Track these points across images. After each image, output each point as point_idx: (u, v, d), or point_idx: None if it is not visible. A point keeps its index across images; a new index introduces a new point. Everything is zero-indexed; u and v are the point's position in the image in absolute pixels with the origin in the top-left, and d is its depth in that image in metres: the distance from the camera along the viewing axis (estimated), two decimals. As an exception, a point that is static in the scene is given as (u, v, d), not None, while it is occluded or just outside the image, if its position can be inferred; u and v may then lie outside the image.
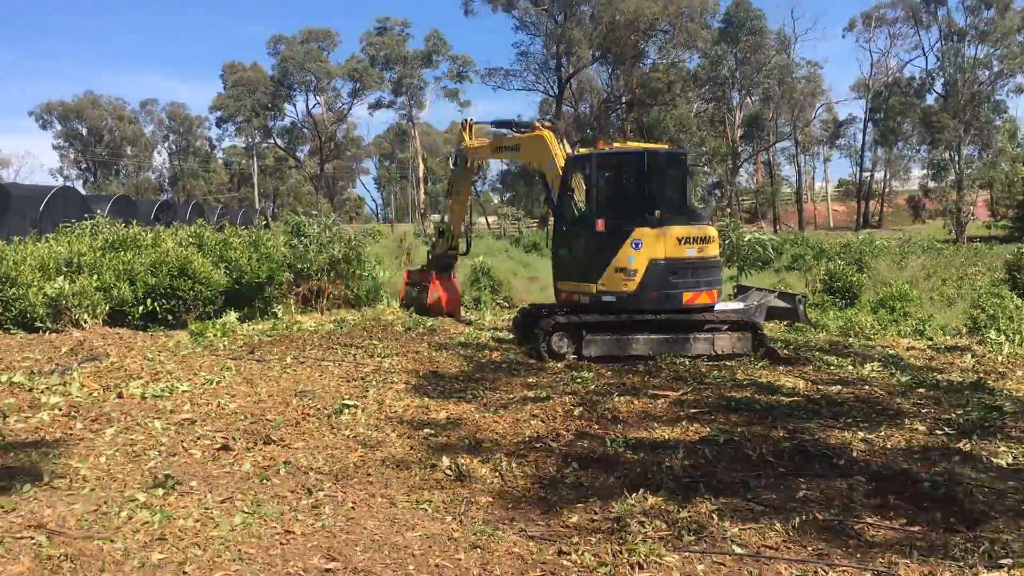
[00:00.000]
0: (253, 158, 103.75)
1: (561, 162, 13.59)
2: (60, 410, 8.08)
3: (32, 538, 4.91)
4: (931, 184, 71.94)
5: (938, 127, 62.72)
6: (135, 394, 8.96)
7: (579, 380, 10.58)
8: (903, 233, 49.99)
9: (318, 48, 77.22)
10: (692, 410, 8.96)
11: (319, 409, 8.69)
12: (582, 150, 14.39)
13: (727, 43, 59.61)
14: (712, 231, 13.18)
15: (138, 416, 7.98)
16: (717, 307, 13.26)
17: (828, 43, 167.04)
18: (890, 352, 13.73)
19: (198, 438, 7.40)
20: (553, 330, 12.59)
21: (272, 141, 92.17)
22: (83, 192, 49.29)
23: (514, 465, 6.94)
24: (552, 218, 14.44)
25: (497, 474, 6.73)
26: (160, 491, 5.94)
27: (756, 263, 18.34)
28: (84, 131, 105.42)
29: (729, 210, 62.46)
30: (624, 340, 12.41)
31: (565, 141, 14.39)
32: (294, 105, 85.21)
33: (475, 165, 17.34)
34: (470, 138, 16.83)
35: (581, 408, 8.92)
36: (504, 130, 16.63)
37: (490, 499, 6.15)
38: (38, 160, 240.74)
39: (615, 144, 14.80)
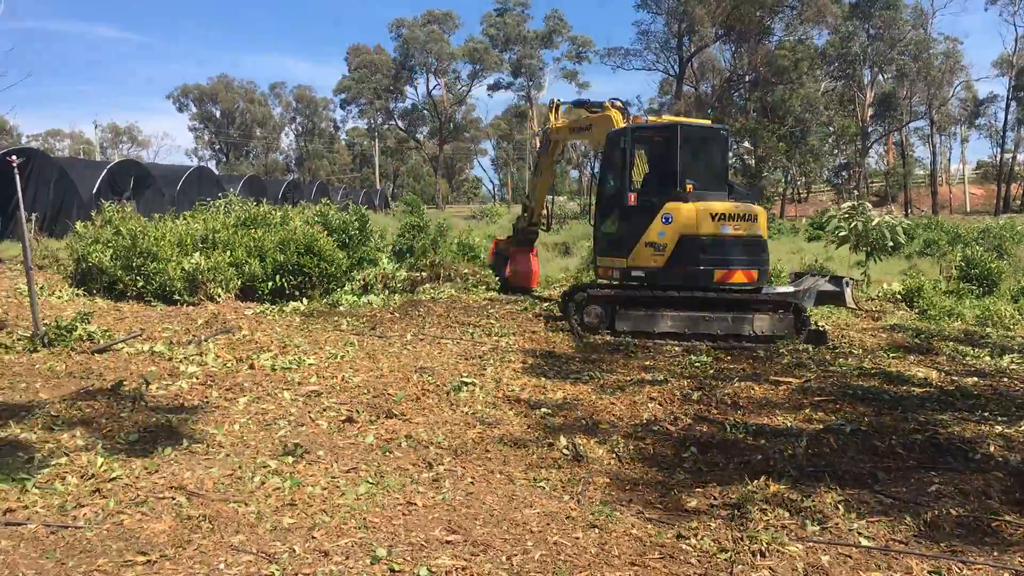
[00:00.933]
0: (375, 139, 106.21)
1: None
2: (197, 379, 8.50)
3: (173, 498, 5.21)
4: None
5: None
6: (266, 366, 9.33)
7: (697, 364, 10.44)
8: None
9: (439, 30, 78.22)
10: (816, 398, 8.71)
11: (438, 386, 8.86)
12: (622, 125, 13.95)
13: (859, 18, 57.12)
14: (756, 209, 12.75)
15: (269, 387, 8.32)
16: (766, 290, 13.05)
17: (969, 16, 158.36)
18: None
19: (324, 409, 7.66)
20: (587, 303, 12.79)
21: (393, 123, 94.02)
22: (216, 172, 51.50)
23: (631, 447, 6.92)
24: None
25: (614, 455, 6.72)
26: (290, 459, 6.18)
27: (885, 248, 17.59)
28: (217, 113, 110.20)
29: (856, 192, 60.21)
30: (656, 316, 12.40)
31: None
32: (415, 87, 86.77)
33: (558, 145, 17.26)
34: (556, 119, 16.84)
35: (699, 392, 8.80)
36: (582, 110, 16.19)
37: (607, 480, 6.14)
38: (175, 141, 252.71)
39: (664, 118, 14.68)
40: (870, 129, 64.26)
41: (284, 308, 13.80)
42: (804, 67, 56.21)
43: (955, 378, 10.03)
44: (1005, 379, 9.99)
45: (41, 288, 13.90)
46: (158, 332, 11.18)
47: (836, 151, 68.77)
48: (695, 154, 13.09)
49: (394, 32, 78.54)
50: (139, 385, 7.95)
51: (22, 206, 9.80)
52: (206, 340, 10.62)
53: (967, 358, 11.57)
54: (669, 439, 7.17)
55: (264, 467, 5.98)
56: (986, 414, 8.14)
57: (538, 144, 18.02)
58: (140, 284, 13.81)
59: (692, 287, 12.34)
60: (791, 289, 13.81)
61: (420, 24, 77.40)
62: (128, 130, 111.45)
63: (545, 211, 17.63)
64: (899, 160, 78.43)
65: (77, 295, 13.84)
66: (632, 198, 12.72)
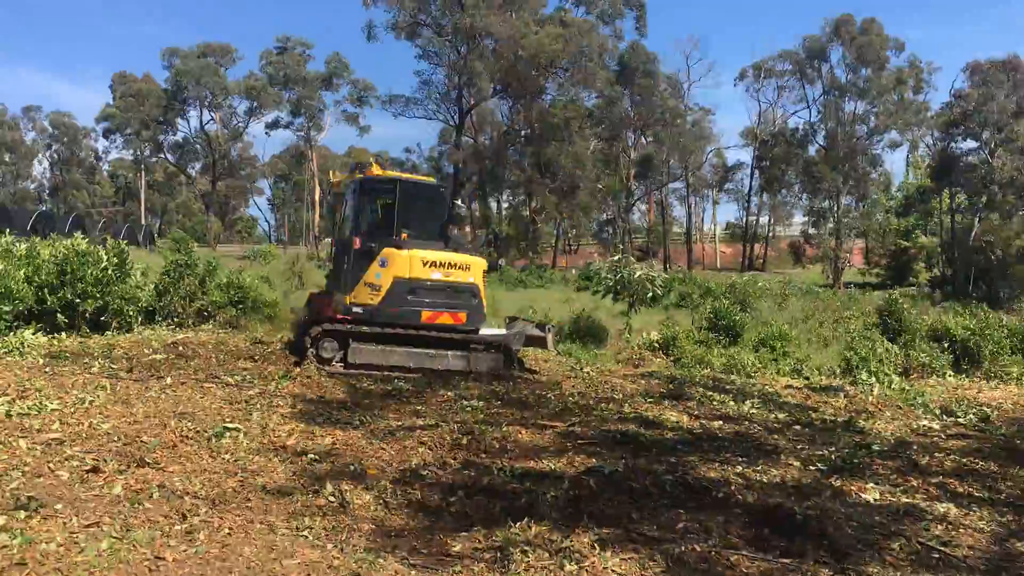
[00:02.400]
0: (141, 172, 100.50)
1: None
2: (-86, 427, 7.57)
3: None
4: (811, 231, 75.23)
5: (818, 177, 65.81)
6: (0, 412, 8.47)
7: (468, 409, 10.56)
8: (785, 276, 51.98)
9: (215, 63, 75.58)
10: (579, 441, 9.08)
11: (198, 432, 8.40)
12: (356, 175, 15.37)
13: (622, 84, 61.18)
14: (471, 260, 14.34)
15: (2, 435, 7.53)
16: (482, 331, 14.48)
17: (721, 90, 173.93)
18: (769, 390, 14.22)
19: (66, 459, 7.03)
20: (322, 337, 13.55)
21: (163, 156, 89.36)
22: (-47, 198, 46.79)
23: (399, 493, 6.87)
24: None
25: (381, 502, 6.63)
26: (22, 514, 5.60)
27: (645, 299, 18.78)
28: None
29: (622, 247, 63.89)
30: (387, 351, 13.48)
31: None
32: (187, 120, 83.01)
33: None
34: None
35: (468, 437, 8.90)
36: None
37: (373, 527, 6.05)
38: None
39: (386, 172, 15.67)
40: (633, 188, 68.58)
41: (23, 346, 12.60)
42: (574, 126, 59.29)
43: (704, 422, 10.80)
44: (746, 422, 10.86)
45: None
46: None
47: (604, 206, 72.80)
48: (415, 207, 14.25)
49: (166, 61, 74.96)
50: None
51: None
52: (-72, 383, 9.50)
53: (714, 403, 12.49)
54: (437, 485, 7.19)
55: (-9, 524, 5.39)
56: (729, 455, 8.80)
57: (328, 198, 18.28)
58: None
59: (402, 324, 13.47)
60: (502, 332, 15.18)
61: (195, 55, 74.38)
62: None
63: None
64: (659, 218, 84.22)
65: None
66: (356, 242, 13.75)
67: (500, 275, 48.39)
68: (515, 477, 7.53)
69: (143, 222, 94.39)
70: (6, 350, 12.23)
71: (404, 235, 13.86)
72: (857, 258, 78.88)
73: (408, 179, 15.11)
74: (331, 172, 17.59)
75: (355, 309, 13.66)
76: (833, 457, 8.96)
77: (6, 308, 13.61)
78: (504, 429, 9.32)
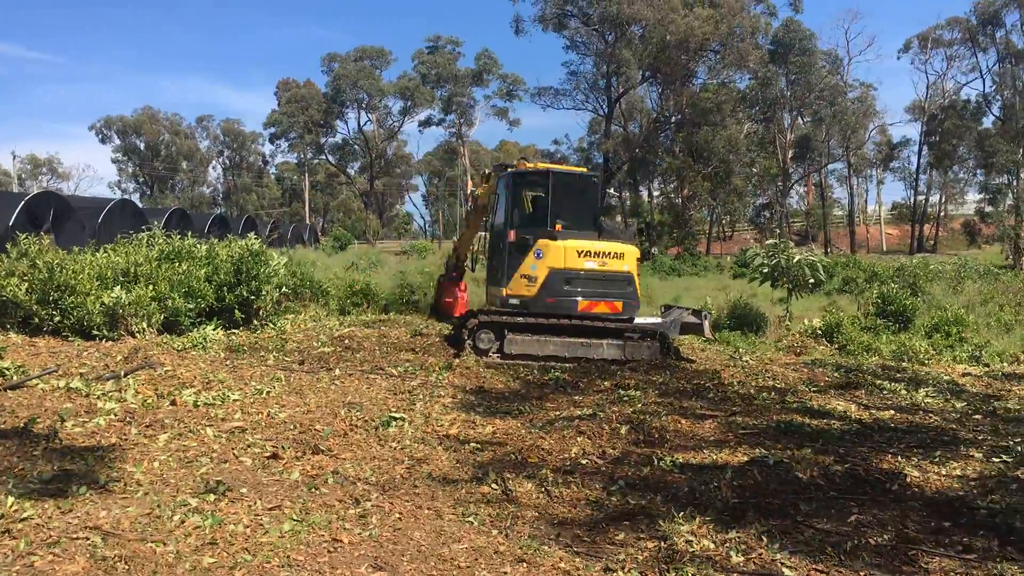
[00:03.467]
0: (304, 174, 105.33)
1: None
2: (115, 416, 8.24)
3: (88, 539, 5.02)
4: (988, 209, 70.36)
5: (993, 151, 61.39)
6: (188, 402, 9.11)
7: (626, 399, 10.52)
8: (958, 258, 48.88)
9: (371, 66, 78.27)
10: (741, 432, 8.87)
11: (367, 421, 8.76)
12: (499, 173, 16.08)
13: (777, 64, 59.04)
14: (622, 247, 14.32)
15: (191, 423, 8.12)
16: (637, 320, 14.41)
17: (883, 64, 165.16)
18: (945, 378, 13.45)
19: (248, 446, 7.50)
20: (479, 328, 13.91)
21: (324, 157, 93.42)
22: (140, 205, 50.30)
23: (560, 482, 6.92)
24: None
25: (543, 491, 6.71)
26: (211, 497, 6.02)
27: (805, 285, 18.09)
28: (142, 145, 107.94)
29: (778, 231, 61.83)
30: (543, 341, 13.72)
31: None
32: (346, 122, 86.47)
33: (484, 208, 18.02)
34: (482, 186, 17.77)
35: (628, 427, 8.87)
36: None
37: (536, 515, 6.13)
38: (98, 173, 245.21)
39: (536, 164, 16.10)
40: (791, 170, 66.14)
41: (205, 341, 13.49)
42: (727, 109, 57.74)
43: (874, 412, 10.33)
44: (920, 413, 10.31)
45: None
46: (75, 368, 10.80)
47: (759, 191, 70.68)
48: (567, 197, 14.41)
49: (326, 66, 78.35)
50: (53, 422, 7.67)
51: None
52: (126, 376, 10.32)
53: (884, 392, 11.92)
54: (598, 474, 7.20)
55: (184, 505, 5.81)
56: (903, 447, 8.38)
57: (469, 202, 19.34)
58: (57, 318, 13.36)
59: (559, 315, 13.71)
60: (658, 320, 15.09)
61: (352, 59, 77.35)
62: (48, 161, 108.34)
63: (468, 256, 18.87)
64: (818, 200, 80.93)
65: (-10, 329, 13.35)
66: (512, 234, 14.20)
67: (653, 263, 47.82)
68: (677, 467, 7.45)
69: (307, 221, 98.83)
70: (191, 345, 13.11)
71: (558, 226, 14.03)
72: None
73: (560, 170, 15.20)
74: (469, 181, 18.54)
75: (512, 301, 14.06)
76: (1020, 449, 8.38)
77: (190, 306, 14.58)
78: (663, 419, 9.23)
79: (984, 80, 69.60)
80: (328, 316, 18.26)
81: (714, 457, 7.88)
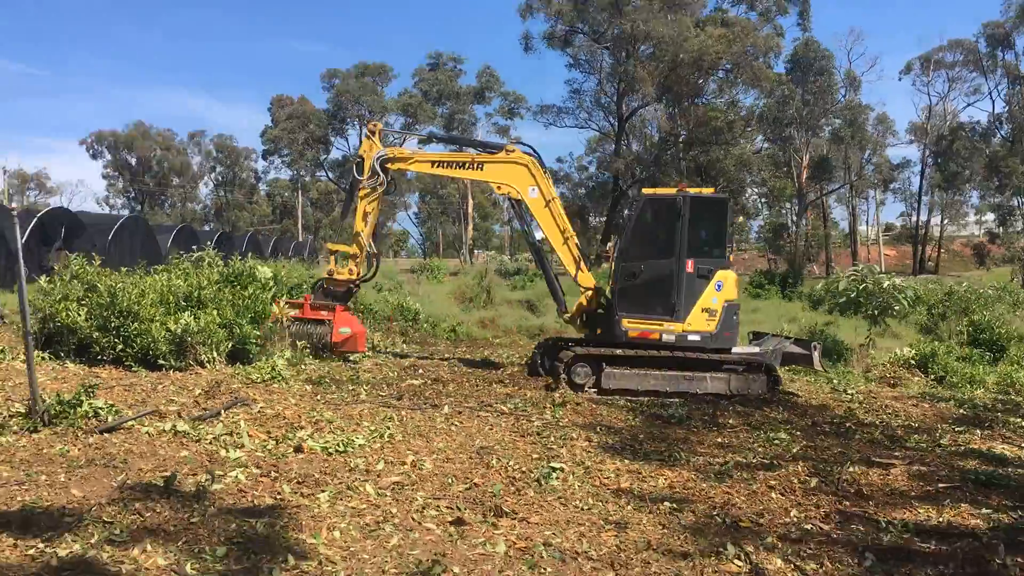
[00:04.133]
0: (298, 191, 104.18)
1: (551, 191, 14.19)
2: (248, 467, 7.22)
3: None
4: (998, 230, 70.16)
5: (1006, 172, 61.14)
6: (315, 448, 8.09)
7: (776, 441, 9.57)
8: (968, 280, 48.40)
9: (372, 82, 77.41)
10: (940, 484, 7.94)
11: (524, 472, 7.78)
12: (649, 190, 15.07)
13: (795, 83, 58.63)
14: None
15: (342, 476, 7.11)
16: (735, 349, 13.49)
17: (884, 84, 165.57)
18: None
19: (423, 508, 6.50)
20: (574, 361, 13.13)
21: (323, 174, 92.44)
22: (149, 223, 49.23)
23: (804, 555, 5.94)
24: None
25: (794, 567, 5.72)
26: (429, 581, 5.04)
27: (890, 312, 17.27)
28: (133, 161, 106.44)
29: (791, 251, 61.30)
30: (641, 375, 12.91)
31: (547, 170, 14.56)
32: (346, 139, 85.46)
33: (395, 177, 15.38)
34: (379, 144, 14.97)
35: (817, 479, 7.91)
36: (455, 146, 15.92)
37: (822, 603, 5.16)
38: (91, 189, 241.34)
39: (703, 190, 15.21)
40: (806, 191, 65.68)
41: (276, 371, 12.42)
42: (739, 128, 57.26)
43: (1047, 456, 9.44)
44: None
45: (1, 350, 12.33)
46: (163, 405, 9.76)
47: (770, 211, 70.27)
48: (728, 225, 13.81)
49: (326, 82, 77.37)
50: (201, 480, 6.64)
51: (21, 258, 8.36)
52: (222, 414, 9.29)
53: (1027, 431, 11.04)
54: (836, 543, 6.23)
55: (404, 593, 4.82)
56: None
57: (355, 174, 14.85)
58: (119, 347, 12.29)
59: (726, 349, 13.09)
60: (757, 349, 14.03)
61: (353, 75, 76.46)
62: (36, 176, 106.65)
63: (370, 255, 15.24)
64: (820, 221, 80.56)
65: (42, 359, 12.24)
66: (690, 265, 12.98)
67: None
68: (912, 532, 6.49)
69: (299, 238, 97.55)
70: (269, 377, 12.06)
71: (731, 256, 13.50)
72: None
73: (726, 197, 14.38)
74: (369, 139, 14.86)
75: (691, 337, 13.05)
76: None
77: (257, 332, 13.54)
78: (850, 469, 8.26)
79: (993, 101, 69.59)
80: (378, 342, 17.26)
81: (937, 518, 6.92)
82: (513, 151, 14.44)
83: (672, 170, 60.58)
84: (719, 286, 12.92)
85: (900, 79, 79.82)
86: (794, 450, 9.18)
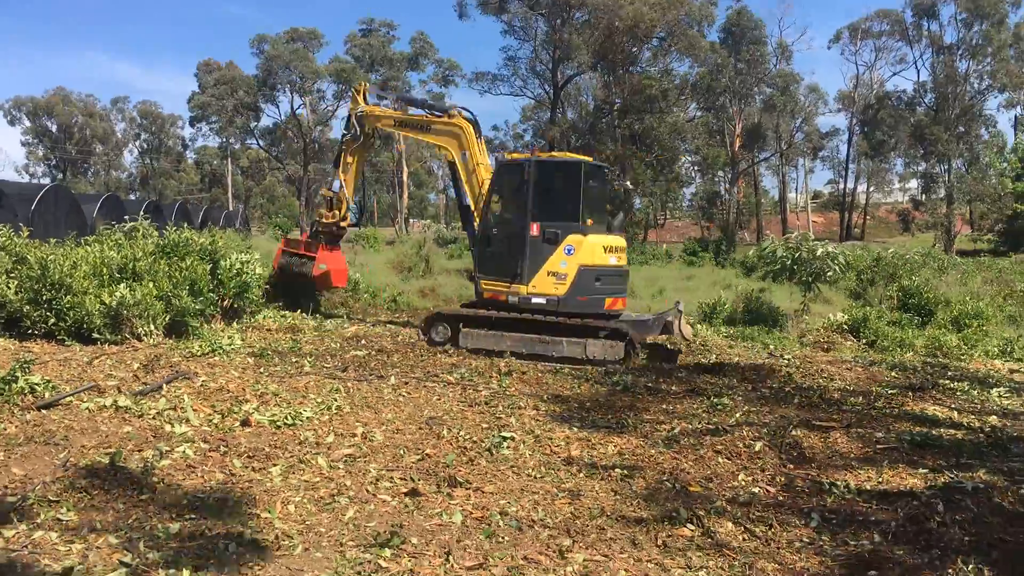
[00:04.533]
0: (228, 159, 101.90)
1: (479, 158, 14.65)
2: (196, 442, 7.09)
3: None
4: (921, 197, 72.21)
5: (931, 140, 62.82)
6: (262, 421, 7.99)
7: (719, 407, 9.73)
8: (894, 246, 49.80)
9: (303, 47, 75.75)
10: (878, 446, 8.19)
11: (475, 442, 7.80)
12: (515, 155, 15.20)
13: (728, 52, 59.13)
14: (624, 241, 14.37)
15: (292, 450, 7.04)
16: (632, 316, 14.17)
17: (814, 54, 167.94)
18: (998, 376, 13.12)
19: (376, 479, 6.48)
20: (435, 321, 13.91)
21: (253, 142, 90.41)
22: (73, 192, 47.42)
23: (754, 518, 6.08)
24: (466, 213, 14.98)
25: (746, 531, 5.85)
26: (387, 552, 5.05)
27: (823, 278, 17.67)
28: (54, 128, 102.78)
29: (723, 217, 62.25)
30: (497, 336, 13.30)
31: (482, 138, 15.19)
32: (276, 106, 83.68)
33: (373, 133, 16.91)
34: (364, 103, 16.42)
35: (761, 443, 8.08)
36: (415, 108, 16.55)
37: (776, 565, 5.27)
38: (9, 157, 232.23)
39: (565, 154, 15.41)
40: (739, 159, 66.54)
41: (226, 346, 12.21)
42: (672, 97, 57.62)
43: (975, 417, 9.81)
44: None
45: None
46: (101, 380, 9.50)
47: (703, 179, 71.16)
48: (593, 190, 13.86)
49: (256, 48, 75.38)
50: (148, 456, 6.50)
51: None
52: (164, 388, 9.09)
53: (958, 394, 11.45)
54: (782, 507, 6.38)
55: (363, 565, 4.82)
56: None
57: (343, 128, 16.77)
58: (51, 320, 11.90)
59: (588, 314, 13.16)
60: (643, 317, 14.52)
61: (284, 41, 74.64)
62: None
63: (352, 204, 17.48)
64: (751, 189, 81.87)
65: (-32, 334, 11.82)
66: (535, 228, 13.24)
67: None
68: (855, 494, 6.70)
69: (229, 208, 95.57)
70: (209, 350, 11.84)
71: (590, 221, 13.35)
72: (960, 226, 75.53)
73: (589, 161, 14.37)
74: (355, 96, 16.70)
75: (535, 300, 13.26)
76: None
77: (197, 306, 13.25)
78: (793, 433, 8.46)
79: (919, 71, 71.28)
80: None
81: (880, 478, 7.15)
82: (455, 116, 14.87)
83: (607, 138, 60.79)
84: (569, 250, 13.04)
85: (829, 48, 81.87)
86: (737, 415, 9.34)
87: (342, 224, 16.93)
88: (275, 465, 6.59)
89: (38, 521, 5.20)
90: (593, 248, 13.15)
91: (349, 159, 16.71)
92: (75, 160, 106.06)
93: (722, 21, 60.63)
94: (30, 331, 11.93)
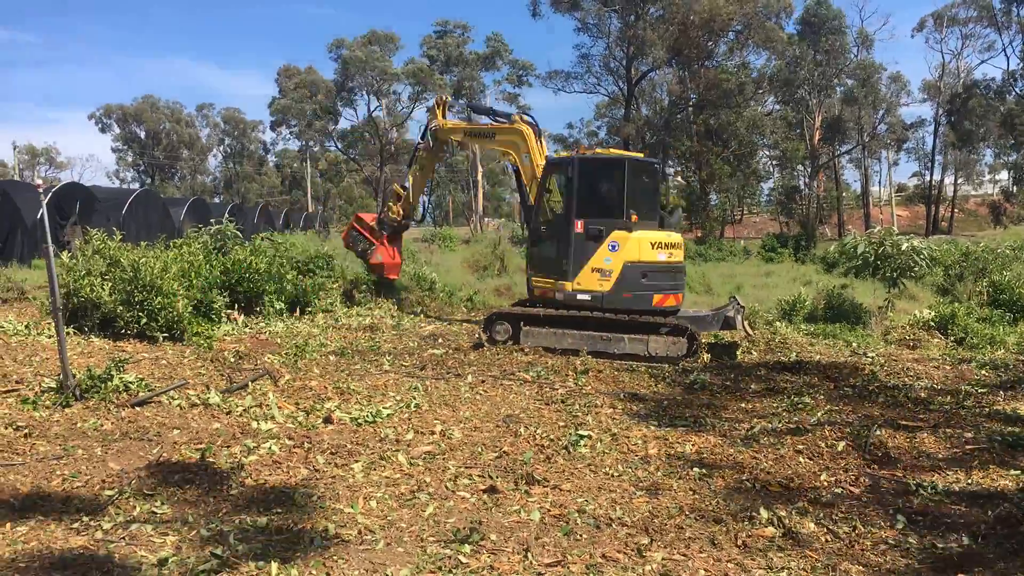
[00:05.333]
0: (306, 162, 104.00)
1: (539, 160, 14.66)
2: (280, 439, 7.30)
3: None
4: (1013, 188, 69.46)
5: (1021, 129, 60.34)
6: (345, 419, 8.19)
7: (800, 405, 9.57)
8: (984, 239, 47.94)
9: (380, 51, 76.77)
10: (967, 447, 7.95)
11: (552, 440, 7.84)
12: (561, 154, 15.46)
13: (807, 44, 57.82)
14: (679, 237, 14.11)
15: (374, 447, 7.20)
16: (681, 312, 13.89)
17: (897, 44, 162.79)
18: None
19: (455, 477, 6.58)
20: (496, 320, 13.83)
21: (332, 145, 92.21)
22: (162, 196, 49.18)
23: (837, 518, 5.97)
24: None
25: (827, 530, 5.75)
26: (467, 548, 5.12)
27: (908, 274, 17.19)
28: (142, 134, 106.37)
29: (803, 212, 60.97)
30: (559, 334, 13.24)
31: (543, 140, 15.28)
32: (354, 109, 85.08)
33: (445, 144, 17.90)
34: (443, 117, 17.17)
35: (844, 443, 7.93)
36: (482, 116, 17.43)
37: (860, 567, 5.18)
38: (101, 163, 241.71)
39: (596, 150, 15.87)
40: (819, 152, 65.03)
41: (306, 346, 12.52)
42: (750, 91, 56.69)
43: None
44: None
45: (26, 326, 12.42)
46: (190, 377, 9.85)
47: (782, 173, 69.77)
48: (639, 186, 13.77)
49: (333, 52, 76.73)
50: (236, 452, 6.73)
51: (49, 235, 8.42)
52: (249, 386, 9.39)
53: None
54: (867, 506, 6.26)
55: (444, 560, 4.90)
56: None
57: (420, 137, 17.83)
58: (143, 321, 12.36)
59: (634, 311, 13.05)
60: (702, 313, 14.41)
61: (361, 45, 75.80)
62: (46, 151, 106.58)
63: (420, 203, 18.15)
64: (832, 183, 79.84)
65: (68, 334, 12.29)
66: (579, 225, 13.29)
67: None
68: (944, 495, 6.51)
69: (309, 209, 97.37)
70: (296, 350, 12.16)
71: (634, 216, 13.29)
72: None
73: (634, 157, 14.38)
74: (435, 110, 17.40)
75: (580, 296, 13.35)
76: None
77: (279, 305, 13.63)
78: (877, 433, 8.27)
79: (1008, 58, 68.58)
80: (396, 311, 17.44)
81: (969, 480, 6.94)
82: (516, 121, 15.27)
83: (683, 134, 60.20)
84: (613, 246, 13.05)
85: (913, 36, 78.75)
86: (819, 414, 9.18)
87: (405, 221, 17.92)
88: (357, 461, 6.75)
89: (134, 514, 5.44)
90: (639, 244, 13.13)
91: (422, 163, 17.63)
92: (162, 165, 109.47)
93: (800, 12, 59.28)
94: (123, 331, 12.38)
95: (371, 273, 18.48)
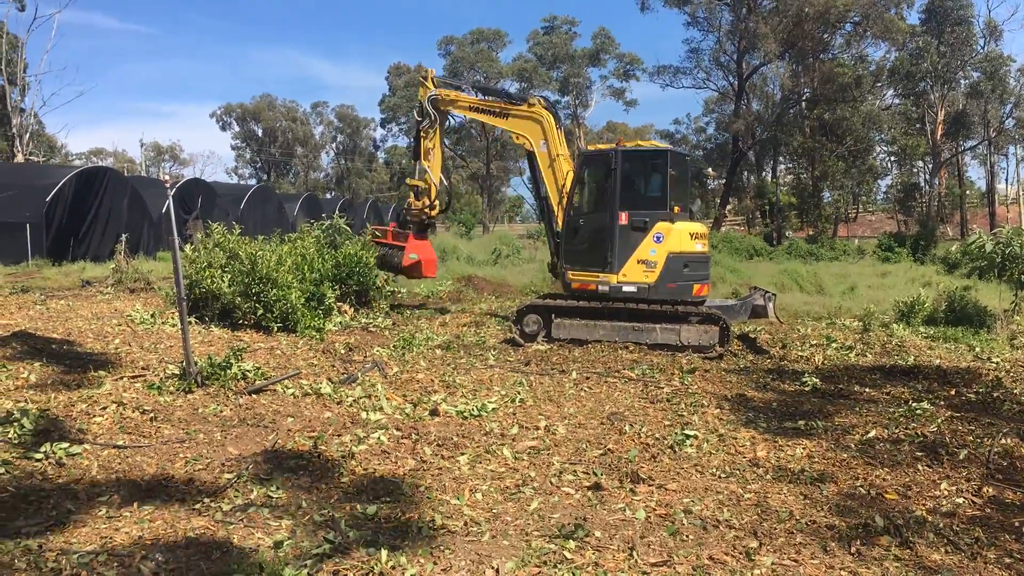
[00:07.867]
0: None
1: (560, 149, 14.50)
2: (389, 429, 7.46)
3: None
4: None
5: None
6: (451, 412, 8.30)
7: (919, 412, 9.18)
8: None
9: (488, 48, 77.50)
10: (1103, 460, 7.48)
11: (657, 439, 7.76)
12: (600, 146, 14.87)
13: (929, 34, 55.47)
14: (706, 227, 14.46)
15: (479, 440, 7.28)
16: (708, 302, 13.86)
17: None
18: None
19: (560, 472, 6.59)
20: (527, 313, 13.74)
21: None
22: (277, 192, 50.94)
23: (958, 533, 5.71)
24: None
25: (948, 543, 5.51)
26: (572, 544, 5.12)
27: (1034, 275, 16.26)
28: (260, 132, 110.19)
29: (922, 210, 58.52)
30: (591, 325, 13.26)
31: (562, 129, 14.98)
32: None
33: (445, 117, 16.51)
34: (434, 88, 15.98)
35: (965, 452, 7.57)
36: (489, 96, 16.18)
37: (984, 581, 4.97)
38: (222, 160, 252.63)
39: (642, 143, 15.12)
40: (940, 148, 62.36)
41: (413, 340, 12.76)
42: (867, 85, 54.70)
43: None
44: None
45: (152, 315, 13.02)
46: (304, 367, 10.17)
47: (899, 170, 67.19)
48: (678, 178, 13.72)
49: (442, 49, 77.99)
50: (346, 440, 6.92)
51: (175, 229, 8.81)
52: (360, 377, 9.62)
53: None
54: (991, 518, 5.97)
55: (549, 555, 4.91)
56: None
57: (417, 115, 16.53)
58: (259, 312, 12.82)
59: (677, 301, 13.19)
60: (729, 303, 14.54)
61: (469, 42, 76.77)
62: (170, 148, 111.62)
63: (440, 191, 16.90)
64: (954, 180, 76.33)
65: (190, 323, 12.86)
66: (624, 217, 13.23)
67: (788, 248, 45.61)
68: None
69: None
70: (404, 343, 12.41)
71: (677, 208, 13.31)
72: None
73: (676, 150, 14.47)
74: (423, 82, 16.14)
75: (626, 288, 13.30)
76: None
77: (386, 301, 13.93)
78: (1003, 442, 7.86)
79: None
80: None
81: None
82: (534, 105, 14.91)
83: (795, 129, 58.59)
84: (658, 238, 13.04)
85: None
86: (939, 421, 8.79)
87: (430, 212, 16.62)
88: (463, 454, 6.84)
89: (251, 497, 5.65)
90: (681, 235, 13.19)
91: (429, 145, 16.30)
92: (278, 162, 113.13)
93: (923, 2, 56.80)
94: (241, 321, 12.89)
95: (409, 276, 17.09)
